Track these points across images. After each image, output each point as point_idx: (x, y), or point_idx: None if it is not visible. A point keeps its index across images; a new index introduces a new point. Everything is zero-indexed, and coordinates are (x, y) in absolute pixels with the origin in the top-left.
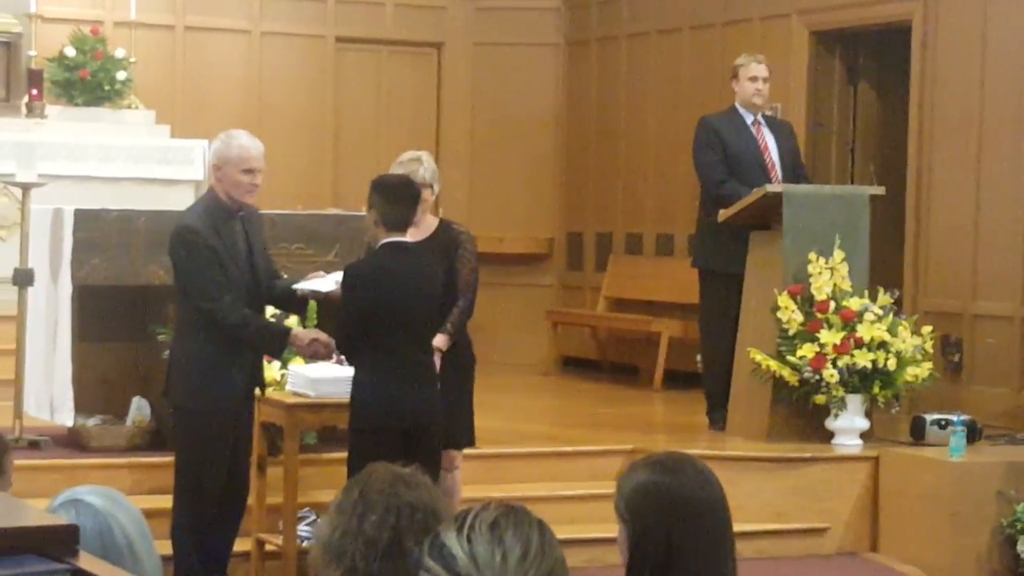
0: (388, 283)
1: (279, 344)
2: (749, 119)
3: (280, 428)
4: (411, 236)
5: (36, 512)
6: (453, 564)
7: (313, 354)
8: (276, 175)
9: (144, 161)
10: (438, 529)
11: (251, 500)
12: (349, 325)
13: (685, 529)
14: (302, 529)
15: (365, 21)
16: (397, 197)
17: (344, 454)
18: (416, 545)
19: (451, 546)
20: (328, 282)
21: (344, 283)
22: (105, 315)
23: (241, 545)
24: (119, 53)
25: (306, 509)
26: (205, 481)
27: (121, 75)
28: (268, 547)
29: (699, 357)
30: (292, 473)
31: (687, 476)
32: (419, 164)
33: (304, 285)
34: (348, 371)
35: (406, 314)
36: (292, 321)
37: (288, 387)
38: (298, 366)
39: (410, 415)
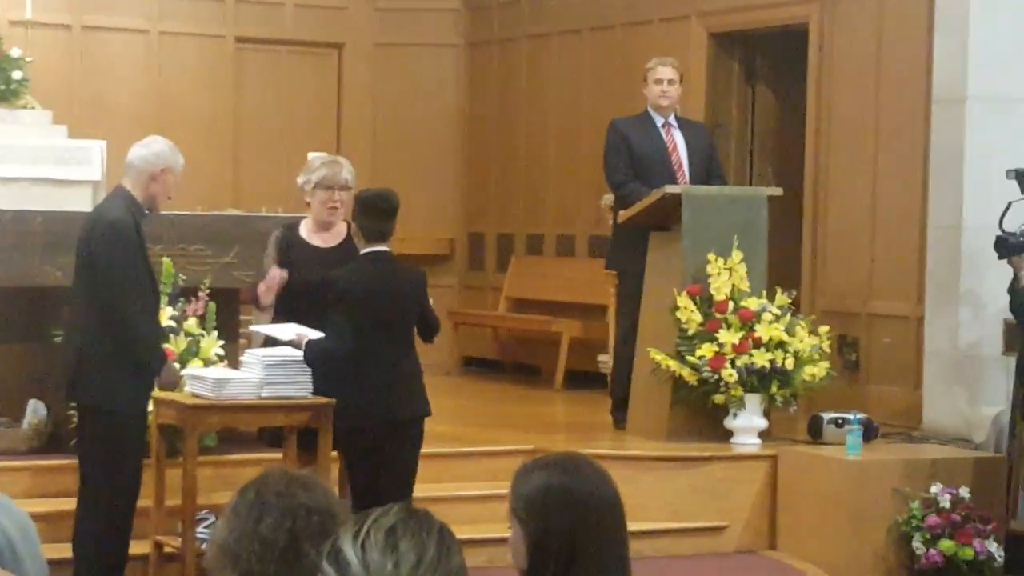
0: (370, 289)
1: (160, 366)
2: (659, 121)
3: (179, 429)
4: (323, 242)
5: None
6: (347, 570)
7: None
8: None
9: (41, 162)
10: (337, 533)
11: (150, 502)
12: (347, 331)
13: (588, 528)
14: (200, 531)
15: (265, 21)
16: (374, 211)
17: (244, 456)
18: (313, 548)
19: (346, 552)
20: (287, 331)
21: (335, 292)
22: (0, 316)
23: (139, 547)
24: (15, 52)
25: (205, 511)
26: (122, 482)
27: (17, 74)
28: (167, 549)
29: (602, 357)
30: (191, 475)
31: (587, 475)
32: (340, 166)
33: (260, 329)
34: (246, 374)
35: (389, 316)
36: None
37: (187, 388)
38: (197, 368)
39: (389, 412)
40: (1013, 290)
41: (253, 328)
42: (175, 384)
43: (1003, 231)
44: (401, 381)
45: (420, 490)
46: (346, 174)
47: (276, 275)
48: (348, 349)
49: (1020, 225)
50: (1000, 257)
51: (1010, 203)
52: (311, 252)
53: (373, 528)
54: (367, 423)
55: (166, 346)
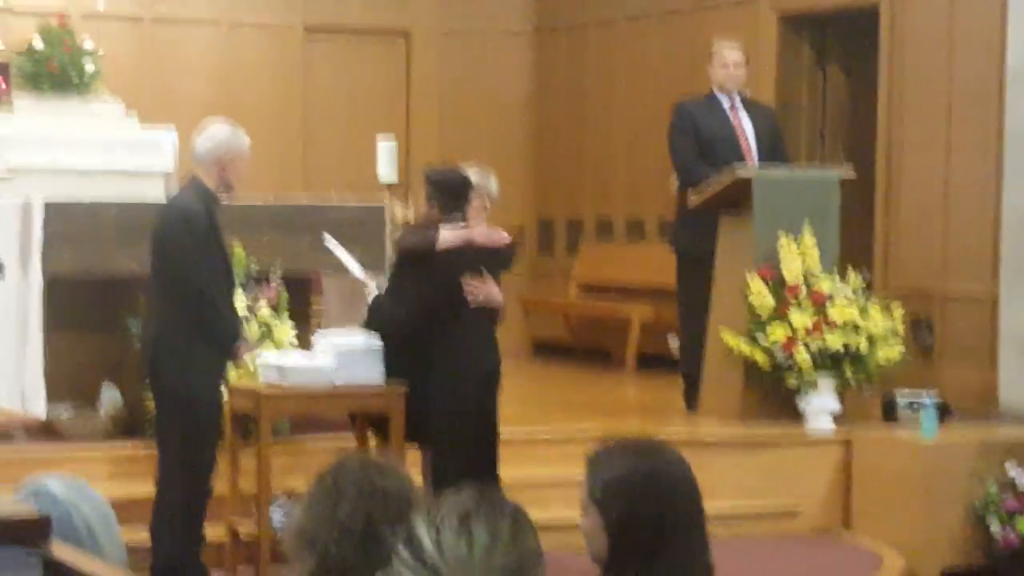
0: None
1: (235, 343)
2: (726, 103)
3: (252, 416)
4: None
5: (7, 502)
6: (421, 553)
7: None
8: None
9: (113, 152)
10: (413, 516)
11: (224, 487)
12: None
13: (675, 512)
14: (275, 516)
15: (333, 10)
16: (449, 187)
17: (317, 440)
18: (390, 532)
19: (420, 535)
20: (355, 267)
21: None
22: (76, 306)
23: (214, 532)
24: (88, 45)
25: (279, 496)
26: (198, 466)
27: (90, 67)
28: (241, 534)
29: (671, 340)
30: (265, 460)
31: (668, 459)
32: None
33: (335, 249)
34: (318, 360)
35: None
36: None
37: (261, 376)
38: (270, 354)
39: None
40: None
41: (328, 243)
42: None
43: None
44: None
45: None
46: (492, 184)
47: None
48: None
49: None
50: None
51: None
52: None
53: (447, 511)
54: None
55: None
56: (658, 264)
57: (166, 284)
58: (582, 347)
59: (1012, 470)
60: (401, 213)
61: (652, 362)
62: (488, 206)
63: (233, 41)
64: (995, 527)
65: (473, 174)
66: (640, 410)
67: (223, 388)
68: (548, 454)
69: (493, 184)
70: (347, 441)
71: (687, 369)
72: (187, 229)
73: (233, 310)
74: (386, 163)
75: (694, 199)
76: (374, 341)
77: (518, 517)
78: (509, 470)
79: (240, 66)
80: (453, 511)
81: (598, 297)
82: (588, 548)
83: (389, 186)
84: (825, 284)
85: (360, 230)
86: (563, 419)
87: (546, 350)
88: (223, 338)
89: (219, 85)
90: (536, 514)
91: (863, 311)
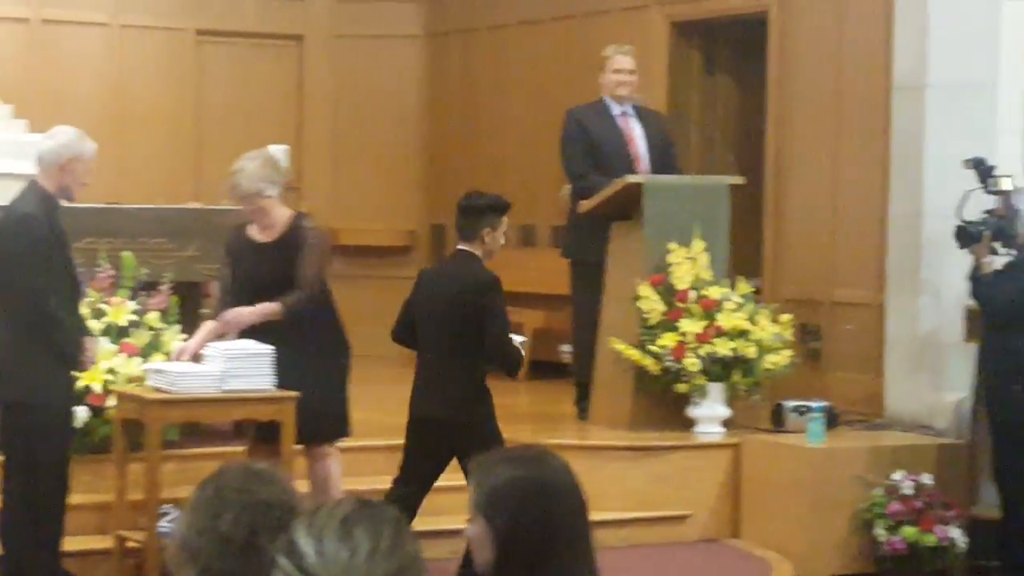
0: (424, 282)
1: (80, 359)
2: (616, 110)
3: (141, 424)
4: (265, 237)
5: None
6: (303, 562)
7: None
8: (137, 170)
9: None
10: (292, 525)
11: (112, 496)
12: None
13: (559, 520)
14: (163, 526)
15: (225, 14)
16: (457, 209)
17: (207, 449)
18: (271, 543)
19: (300, 543)
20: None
21: (496, 288)
22: None
23: (102, 542)
24: None
25: (167, 506)
26: (49, 476)
27: None
28: (129, 544)
29: (564, 347)
30: (153, 469)
31: (553, 466)
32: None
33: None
34: (207, 367)
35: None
36: None
37: (149, 382)
38: (159, 362)
39: (416, 410)
40: (973, 278)
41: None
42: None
43: (963, 221)
44: (431, 382)
45: (381, 482)
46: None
47: (182, 352)
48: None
49: (979, 214)
50: (962, 247)
51: (968, 192)
52: (248, 245)
53: (327, 519)
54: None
55: (126, 340)
56: (550, 271)
57: (4, 292)
58: None
59: (898, 476)
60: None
61: (544, 370)
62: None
63: (124, 44)
64: (881, 533)
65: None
66: (532, 418)
67: (72, 394)
68: None
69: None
70: (237, 450)
71: (579, 376)
72: (25, 235)
73: (77, 317)
74: None
75: (585, 206)
76: (264, 347)
77: (399, 524)
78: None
79: (131, 70)
80: (334, 519)
81: None
82: (474, 556)
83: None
84: (715, 291)
85: None
86: None
87: None
88: (64, 347)
89: (110, 89)
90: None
91: (752, 318)
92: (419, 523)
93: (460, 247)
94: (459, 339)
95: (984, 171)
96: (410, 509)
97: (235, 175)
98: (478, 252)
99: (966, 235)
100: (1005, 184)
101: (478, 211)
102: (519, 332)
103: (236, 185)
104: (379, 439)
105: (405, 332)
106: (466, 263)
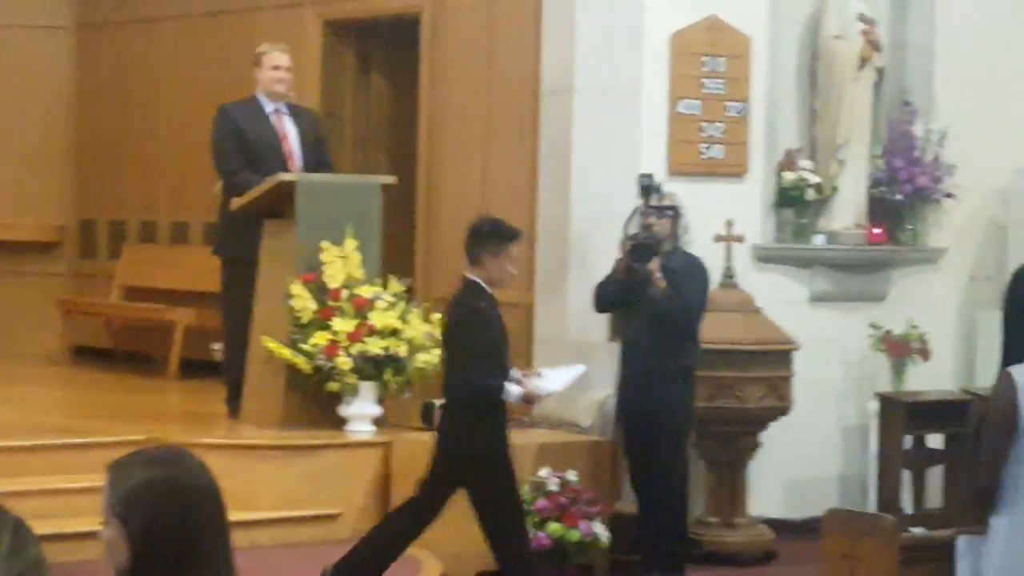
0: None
1: None
2: (270, 108)
3: None
4: None
5: None
6: None
7: None
8: None
9: None
10: None
11: None
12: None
13: (197, 521)
14: None
15: None
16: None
17: None
18: None
19: None
20: (558, 379)
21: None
22: None
23: None
24: None
25: None
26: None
27: None
28: None
29: (215, 346)
30: None
31: (189, 467)
32: None
33: (535, 386)
34: None
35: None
36: None
37: None
38: None
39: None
40: (644, 293)
41: (521, 384)
42: None
43: (635, 237)
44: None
45: (29, 483)
46: None
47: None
48: None
49: (640, 228)
50: (641, 263)
51: (636, 209)
52: None
53: None
54: None
55: None
56: (203, 269)
57: None
58: (125, 352)
59: (544, 472)
60: None
61: (196, 368)
62: None
63: None
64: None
65: None
66: (183, 416)
67: None
68: (84, 462)
69: None
70: None
71: (230, 375)
72: None
73: None
74: None
75: (237, 203)
76: None
77: (20, 529)
78: (42, 480)
79: None
80: None
81: (142, 301)
82: (109, 560)
83: None
84: (367, 290)
85: None
86: (103, 426)
87: (86, 355)
88: None
89: None
90: (72, 523)
91: (404, 317)
92: (49, 526)
93: (463, 273)
94: (451, 362)
95: (650, 188)
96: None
97: None
98: (480, 278)
99: (646, 251)
100: (668, 199)
101: (480, 236)
102: (168, 329)
103: None
104: (21, 439)
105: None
106: (462, 290)
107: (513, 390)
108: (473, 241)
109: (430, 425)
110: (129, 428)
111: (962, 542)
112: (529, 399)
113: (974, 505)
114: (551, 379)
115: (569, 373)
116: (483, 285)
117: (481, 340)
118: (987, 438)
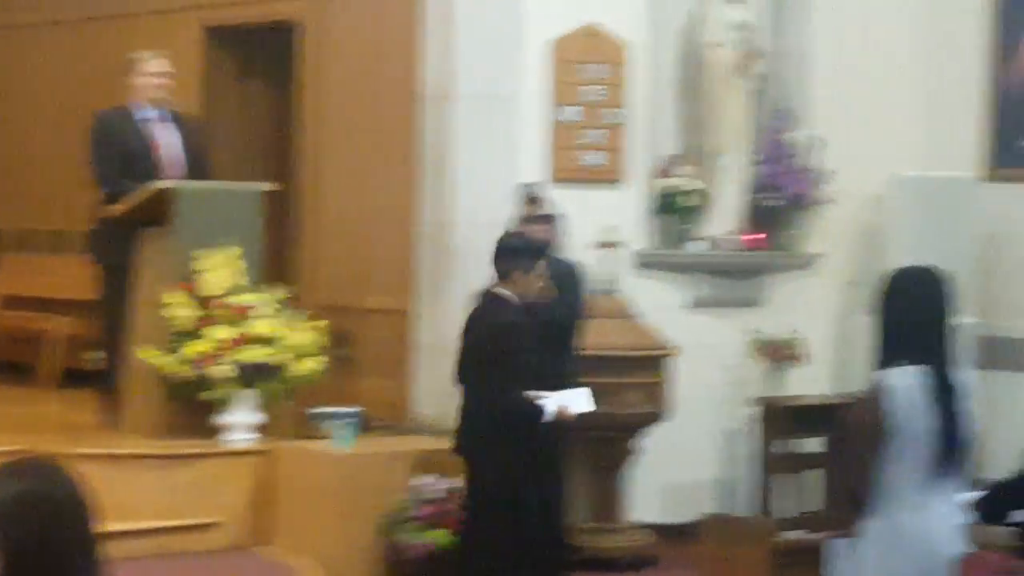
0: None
1: None
2: (147, 114)
3: None
4: None
5: None
6: None
7: None
8: None
9: None
10: None
11: None
12: None
13: (63, 533)
14: None
15: None
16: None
17: None
18: None
19: None
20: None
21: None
22: None
23: None
24: None
25: None
26: None
27: None
28: None
29: (93, 355)
30: None
31: (59, 479)
32: None
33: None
34: None
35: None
36: None
37: None
38: None
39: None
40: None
41: (544, 405)
42: None
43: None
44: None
45: None
46: None
47: None
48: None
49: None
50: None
51: (517, 219)
52: None
53: None
54: None
55: None
56: (81, 277)
57: None
58: (1, 362)
59: (426, 479)
60: None
61: (75, 377)
62: None
63: None
64: (407, 536)
65: None
66: (60, 427)
67: None
68: None
69: None
70: None
71: (109, 384)
72: None
73: None
74: None
75: (114, 211)
76: None
77: None
78: None
79: None
80: None
81: (19, 309)
82: None
83: None
84: (247, 298)
85: None
86: None
87: None
88: None
89: None
90: None
91: (285, 325)
92: None
93: (490, 288)
94: (479, 378)
95: (531, 198)
96: None
97: None
98: (508, 293)
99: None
100: (548, 207)
101: (511, 253)
102: (45, 338)
103: None
104: None
105: (458, 373)
106: (490, 305)
107: (550, 407)
108: (503, 257)
109: (312, 432)
110: (5, 439)
111: (835, 545)
112: (562, 418)
113: (846, 508)
114: (573, 401)
115: (581, 394)
116: (509, 299)
117: (520, 359)
118: (858, 441)
